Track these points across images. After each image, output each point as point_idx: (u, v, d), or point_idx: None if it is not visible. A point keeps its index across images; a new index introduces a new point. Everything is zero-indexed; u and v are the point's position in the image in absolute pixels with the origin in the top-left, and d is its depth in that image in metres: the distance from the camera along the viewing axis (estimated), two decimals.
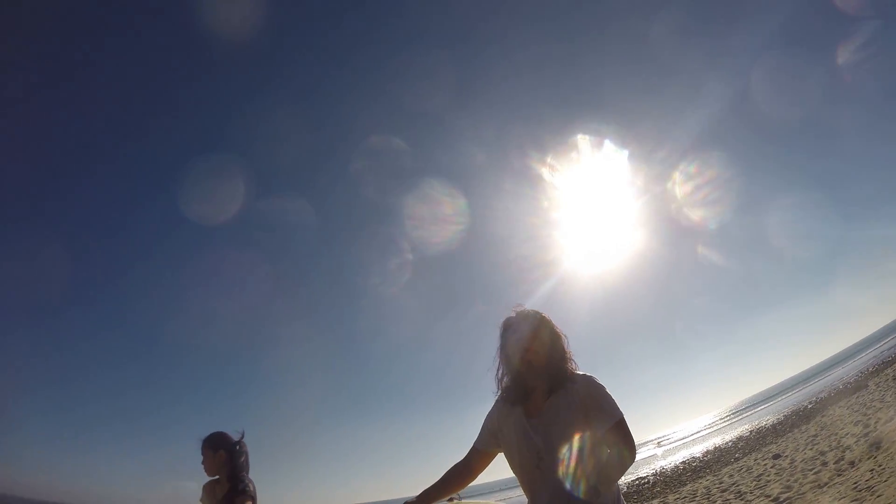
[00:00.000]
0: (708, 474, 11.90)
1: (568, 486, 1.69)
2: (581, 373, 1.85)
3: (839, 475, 6.06)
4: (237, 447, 2.93)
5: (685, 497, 9.64)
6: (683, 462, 17.60)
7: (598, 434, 1.73)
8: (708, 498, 8.55)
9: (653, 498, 11.48)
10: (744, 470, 9.97)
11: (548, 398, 1.81)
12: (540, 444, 1.76)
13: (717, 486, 9.35)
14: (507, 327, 1.94)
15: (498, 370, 1.96)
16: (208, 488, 2.97)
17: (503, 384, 1.94)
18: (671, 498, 10.34)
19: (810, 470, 7.04)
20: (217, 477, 2.92)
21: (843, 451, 7.18)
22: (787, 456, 9.21)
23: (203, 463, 2.95)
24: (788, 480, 7.04)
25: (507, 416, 1.88)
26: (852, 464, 6.28)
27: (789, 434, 12.64)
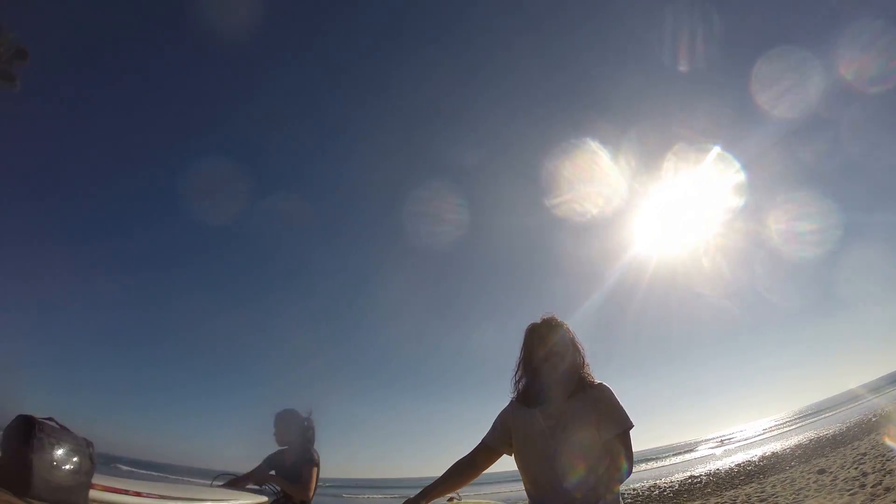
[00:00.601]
0: (755, 481, 12.04)
1: (574, 488, 1.77)
2: (597, 381, 1.93)
3: (871, 500, 6.30)
4: (305, 422, 3.37)
5: (725, 502, 9.96)
6: (738, 465, 17.49)
7: (606, 441, 1.81)
8: None
9: (695, 499, 11.77)
10: (787, 481, 10.12)
11: (563, 403, 1.88)
12: (553, 447, 1.83)
13: (758, 494, 9.58)
14: (532, 333, 2.01)
15: (517, 372, 2.03)
16: (278, 457, 3.37)
17: (520, 386, 2.01)
18: (712, 501, 10.62)
19: (847, 490, 7.22)
20: (286, 447, 3.37)
21: (884, 476, 7.32)
22: (831, 472, 9.30)
23: (274, 434, 3.38)
24: (825, 499, 7.28)
25: (524, 417, 1.94)
26: (888, 490, 6.49)
27: (842, 448, 12.48)
